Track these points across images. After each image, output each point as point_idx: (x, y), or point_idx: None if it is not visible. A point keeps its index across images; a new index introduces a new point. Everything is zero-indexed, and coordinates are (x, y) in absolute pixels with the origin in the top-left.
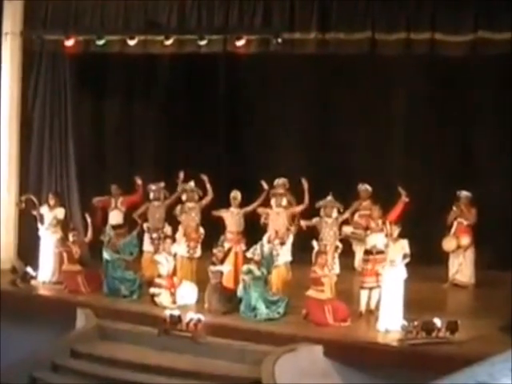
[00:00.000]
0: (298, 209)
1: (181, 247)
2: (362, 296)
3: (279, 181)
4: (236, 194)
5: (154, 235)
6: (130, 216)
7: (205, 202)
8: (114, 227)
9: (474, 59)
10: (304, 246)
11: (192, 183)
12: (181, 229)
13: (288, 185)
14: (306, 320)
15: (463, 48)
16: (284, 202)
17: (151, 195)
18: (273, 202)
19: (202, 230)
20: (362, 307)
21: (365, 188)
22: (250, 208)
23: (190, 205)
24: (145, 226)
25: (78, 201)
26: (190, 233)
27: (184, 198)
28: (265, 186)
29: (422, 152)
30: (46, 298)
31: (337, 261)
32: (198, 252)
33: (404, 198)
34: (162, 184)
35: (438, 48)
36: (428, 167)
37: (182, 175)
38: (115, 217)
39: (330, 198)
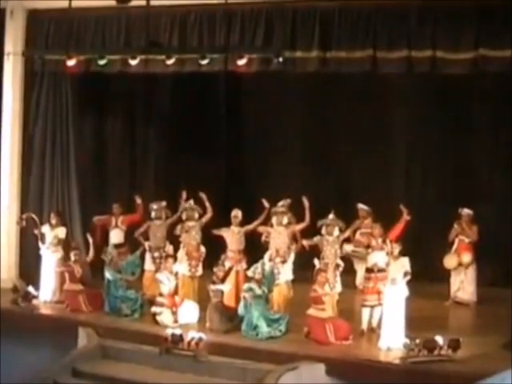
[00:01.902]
0: (299, 227)
1: (182, 266)
2: (364, 314)
3: (284, 202)
4: (237, 213)
5: (156, 254)
6: (131, 235)
7: (204, 220)
8: (116, 246)
9: (476, 77)
10: (305, 263)
11: (191, 201)
12: (182, 248)
13: (289, 203)
14: (308, 338)
15: (464, 66)
16: (285, 220)
17: (152, 214)
18: (274, 220)
19: (203, 248)
20: (364, 325)
21: (361, 207)
22: (251, 226)
23: (190, 223)
24: (146, 244)
25: (79, 220)
26: (191, 251)
27: (184, 216)
28: (266, 204)
29: (422, 170)
30: (47, 317)
31: (338, 279)
32: (200, 271)
33: (405, 217)
34: (164, 203)
35: (438, 66)
36: (429, 185)
37: (184, 195)
38: (116, 236)
39: (331, 216)
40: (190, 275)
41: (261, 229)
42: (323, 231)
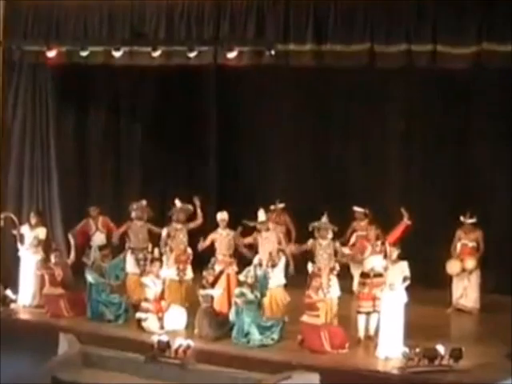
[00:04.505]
0: (190, 226)
1: (170, 270)
2: (360, 321)
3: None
4: (223, 216)
5: (140, 256)
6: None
7: (192, 225)
8: (99, 248)
9: (478, 72)
10: (299, 268)
11: (178, 202)
12: (168, 251)
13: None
14: (302, 346)
15: (466, 60)
16: (270, 225)
17: (133, 214)
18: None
19: (189, 250)
20: (361, 333)
21: (357, 210)
22: (238, 242)
23: (177, 226)
24: (127, 246)
25: (60, 220)
26: (179, 255)
27: (174, 218)
28: (250, 223)
29: (423, 169)
30: (26, 322)
31: (335, 283)
32: (189, 274)
33: (406, 221)
34: (144, 202)
35: (439, 60)
36: (430, 185)
37: (178, 203)
38: (98, 238)
39: (324, 219)
40: (178, 279)
41: (247, 240)
42: (316, 234)
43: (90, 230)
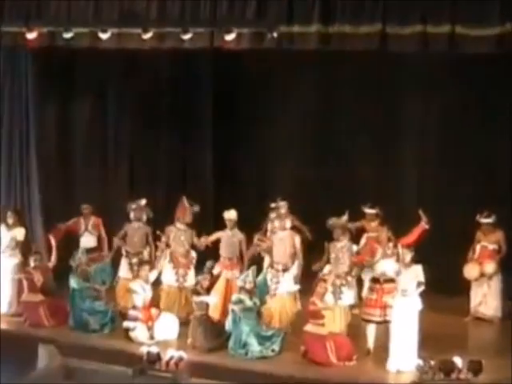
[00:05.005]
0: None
1: (167, 274)
2: (369, 331)
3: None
4: (230, 215)
5: (134, 260)
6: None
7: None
8: (86, 251)
9: (501, 57)
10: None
11: (185, 201)
12: (167, 253)
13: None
14: (305, 358)
15: (488, 43)
16: (288, 224)
17: (131, 215)
18: (269, 225)
19: (193, 254)
20: (370, 344)
21: (367, 211)
22: (244, 249)
23: (180, 226)
24: (123, 249)
25: (40, 219)
26: (178, 258)
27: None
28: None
29: (438, 163)
30: (2, 332)
31: (347, 289)
32: (190, 280)
33: (424, 225)
34: (143, 201)
35: (458, 44)
36: (446, 181)
37: (185, 202)
38: (87, 240)
39: (345, 217)
40: (177, 285)
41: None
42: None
43: (79, 229)
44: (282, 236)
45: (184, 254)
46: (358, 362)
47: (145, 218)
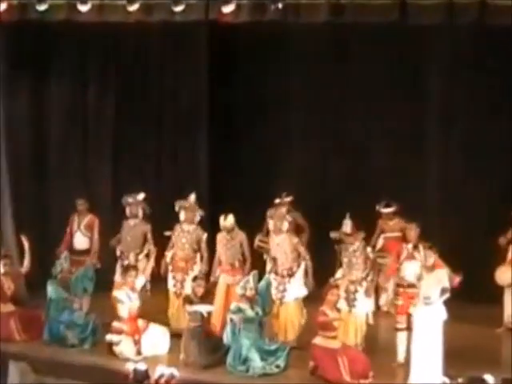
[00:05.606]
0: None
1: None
2: (400, 340)
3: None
4: (226, 223)
5: (126, 262)
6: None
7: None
8: (76, 253)
9: None
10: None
11: (192, 199)
12: (168, 256)
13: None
14: (315, 376)
15: None
16: (285, 226)
17: (127, 211)
18: (271, 225)
19: (197, 258)
20: (400, 357)
21: (383, 210)
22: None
23: (186, 227)
24: (117, 250)
25: (11, 219)
26: (177, 261)
27: (182, 216)
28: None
29: (465, 155)
30: None
31: (362, 296)
32: (188, 288)
33: (457, 280)
34: (141, 196)
35: (489, 15)
36: (475, 174)
37: (192, 200)
38: (78, 241)
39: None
40: (174, 291)
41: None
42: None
43: (72, 228)
44: (279, 241)
45: (183, 257)
46: (374, 379)
47: (141, 214)
